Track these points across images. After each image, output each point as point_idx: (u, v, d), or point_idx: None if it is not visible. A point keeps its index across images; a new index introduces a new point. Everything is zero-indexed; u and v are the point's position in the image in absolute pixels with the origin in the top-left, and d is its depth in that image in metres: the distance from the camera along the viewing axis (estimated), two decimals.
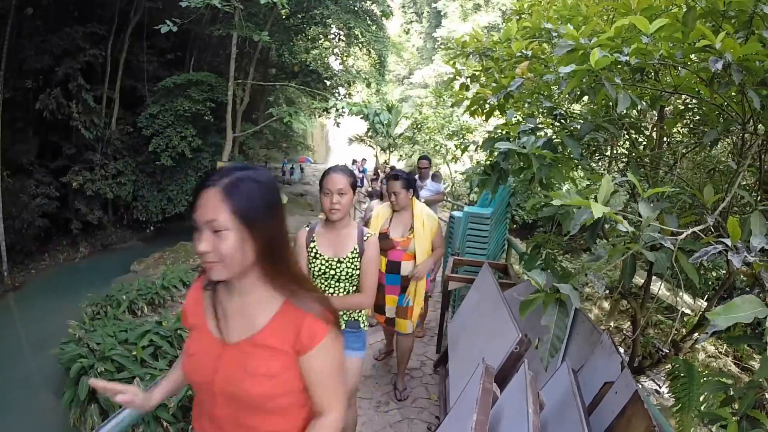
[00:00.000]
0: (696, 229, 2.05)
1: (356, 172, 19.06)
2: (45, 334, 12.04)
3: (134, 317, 12.01)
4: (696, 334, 4.66)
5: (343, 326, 3.15)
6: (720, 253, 1.80)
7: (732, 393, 2.54)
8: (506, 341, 2.90)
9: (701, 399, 3.88)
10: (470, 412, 1.96)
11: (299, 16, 22.44)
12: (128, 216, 21.98)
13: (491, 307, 3.72)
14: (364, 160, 23.65)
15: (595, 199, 1.97)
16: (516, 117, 4.00)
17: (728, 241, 1.77)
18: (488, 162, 3.65)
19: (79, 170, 19.42)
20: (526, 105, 4.18)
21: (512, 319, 3.08)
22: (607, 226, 2.57)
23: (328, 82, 23.75)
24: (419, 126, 25.35)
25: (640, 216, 2.01)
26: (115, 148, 20.91)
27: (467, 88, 4.12)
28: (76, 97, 18.69)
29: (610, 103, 3.30)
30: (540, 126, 3.55)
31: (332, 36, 24.14)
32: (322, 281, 3.05)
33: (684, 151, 3.99)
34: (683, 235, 1.95)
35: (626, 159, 4.38)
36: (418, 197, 4.68)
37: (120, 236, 21.92)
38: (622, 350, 7.65)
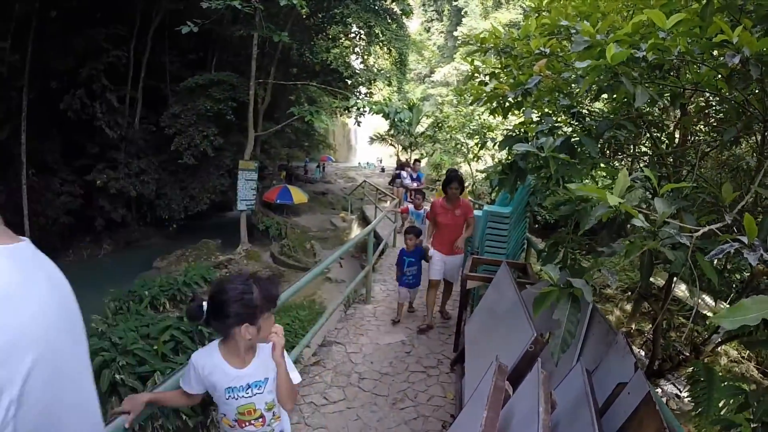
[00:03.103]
0: (714, 227, 2.02)
1: (407, 180, 15.27)
2: None
3: (156, 313, 12.17)
4: (714, 341, 4.58)
5: None
6: (737, 251, 1.77)
7: (749, 399, 2.50)
8: (521, 340, 2.89)
9: (720, 405, 3.82)
10: (482, 409, 1.95)
11: (319, 15, 22.47)
12: (151, 214, 22.24)
13: (508, 306, 3.70)
14: (417, 162, 17.31)
15: (611, 192, 1.95)
16: (534, 115, 3.97)
17: (745, 239, 1.74)
18: (507, 161, 3.63)
19: (102, 169, 19.73)
20: (545, 103, 4.15)
21: (528, 318, 3.06)
22: (629, 226, 2.54)
23: (349, 81, 23.70)
24: (440, 124, 25.27)
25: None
26: (139, 147, 21.19)
27: (485, 85, 4.09)
28: (99, 97, 19.01)
29: (630, 101, 3.26)
30: (558, 125, 3.51)
31: (353, 35, 24.07)
32: None
33: (707, 149, 3.93)
34: (699, 233, 1.92)
35: (648, 158, 4.32)
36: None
37: (143, 233, 22.21)
38: (643, 353, 7.57)
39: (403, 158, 27.31)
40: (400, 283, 6.60)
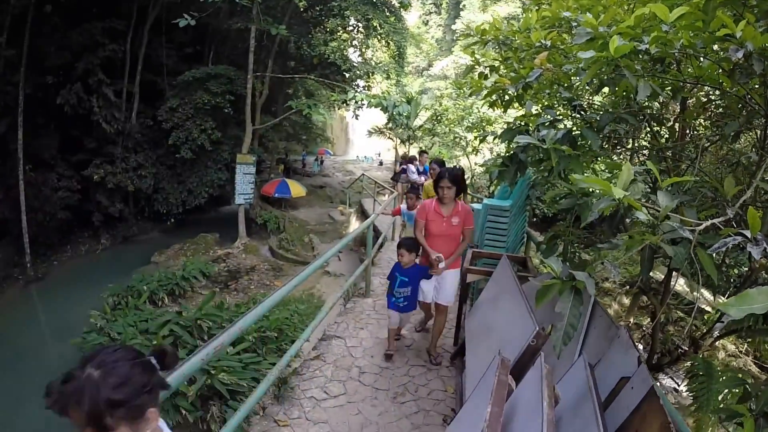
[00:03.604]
0: (716, 221, 2.01)
1: (414, 175, 13.70)
2: (67, 323, 12.25)
3: (155, 307, 12.20)
4: (716, 332, 4.59)
5: None
6: (740, 247, 1.76)
7: (750, 390, 2.50)
8: (523, 334, 2.88)
9: (719, 398, 3.83)
10: (485, 403, 1.94)
11: (317, 8, 22.42)
12: (149, 208, 22.25)
13: (509, 300, 3.70)
14: (424, 153, 14.96)
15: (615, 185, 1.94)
16: (535, 108, 3.96)
17: (748, 233, 1.73)
18: (507, 153, 3.62)
19: (100, 163, 19.72)
20: (546, 96, 4.14)
21: (530, 312, 3.06)
22: (628, 220, 2.54)
23: (347, 74, 23.67)
24: (439, 118, 25.25)
25: (659, 207, 1.98)
26: (136, 141, 21.17)
27: (486, 78, 4.08)
28: (96, 91, 18.98)
29: (631, 95, 3.25)
30: (559, 117, 3.50)
31: (351, 28, 24.04)
32: None
33: (707, 144, 3.92)
34: (702, 227, 1.91)
35: (648, 151, 4.32)
36: None
37: (141, 228, 22.23)
38: (641, 347, 7.59)
39: (401, 151, 27.23)
40: (389, 304, 5.26)
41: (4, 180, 17.69)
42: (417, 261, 5.14)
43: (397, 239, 8.05)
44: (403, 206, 8.51)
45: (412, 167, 14.34)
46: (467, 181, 21.74)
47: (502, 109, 3.94)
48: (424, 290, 5.11)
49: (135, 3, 20.23)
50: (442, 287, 5.07)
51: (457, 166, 13.13)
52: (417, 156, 15.19)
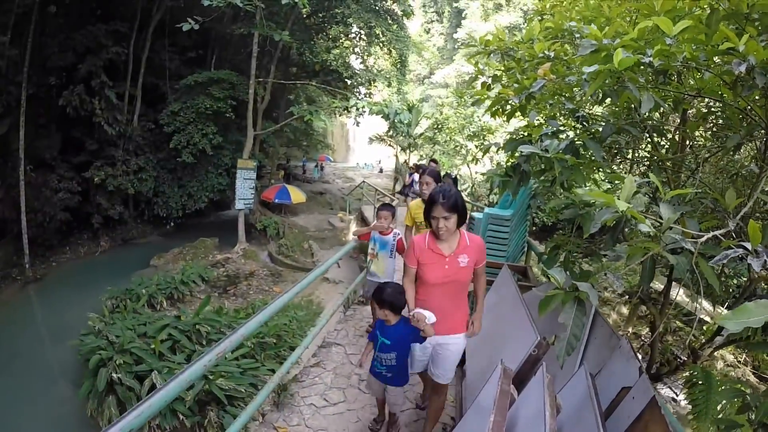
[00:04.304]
0: (717, 233, 2.03)
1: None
2: (64, 325, 12.22)
3: (153, 311, 12.18)
4: (717, 343, 4.60)
5: None
6: (740, 258, 1.78)
7: (749, 401, 2.51)
8: (525, 344, 2.89)
9: (718, 408, 3.83)
10: (487, 413, 1.95)
11: (320, 15, 22.51)
12: (149, 211, 22.26)
13: (510, 309, 3.70)
14: (434, 162, 13.35)
15: (618, 198, 1.96)
16: (538, 119, 3.98)
17: (749, 245, 1.75)
18: (509, 163, 3.64)
19: (101, 166, 19.72)
20: (548, 106, 4.16)
21: (531, 321, 3.07)
22: (627, 230, 2.55)
23: (348, 81, 23.76)
24: (440, 126, 25.30)
25: (661, 218, 2.00)
26: (137, 145, 21.18)
27: (489, 88, 4.10)
28: (98, 93, 18.98)
29: (633, 106, 3.27)
30: (562, 128, 3.53)
31: (353, 35, 24.18)
32: None
33: (707, 155, 3.94)
34: (704, 239, 1.93)
35: (648, 162, 4.34)
36: None
37: (140, 231, 22.21)
38: (639, 356, 7.60)
39: (401, 159, 27.22)
40: (371, 367, 3.75)
41: (4, 180, 17.67)
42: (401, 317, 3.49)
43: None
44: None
45: (417, 177, 12.49)
46: (467, 191, 21.73)
47: (505, 119, 3.96)
48: (416, 358, 3.61)
49: (138, 6, 20.30)
50: (440, 357, 3.46)
51: (450, 174, 12.13)
52: (428, 165, 12.46)
